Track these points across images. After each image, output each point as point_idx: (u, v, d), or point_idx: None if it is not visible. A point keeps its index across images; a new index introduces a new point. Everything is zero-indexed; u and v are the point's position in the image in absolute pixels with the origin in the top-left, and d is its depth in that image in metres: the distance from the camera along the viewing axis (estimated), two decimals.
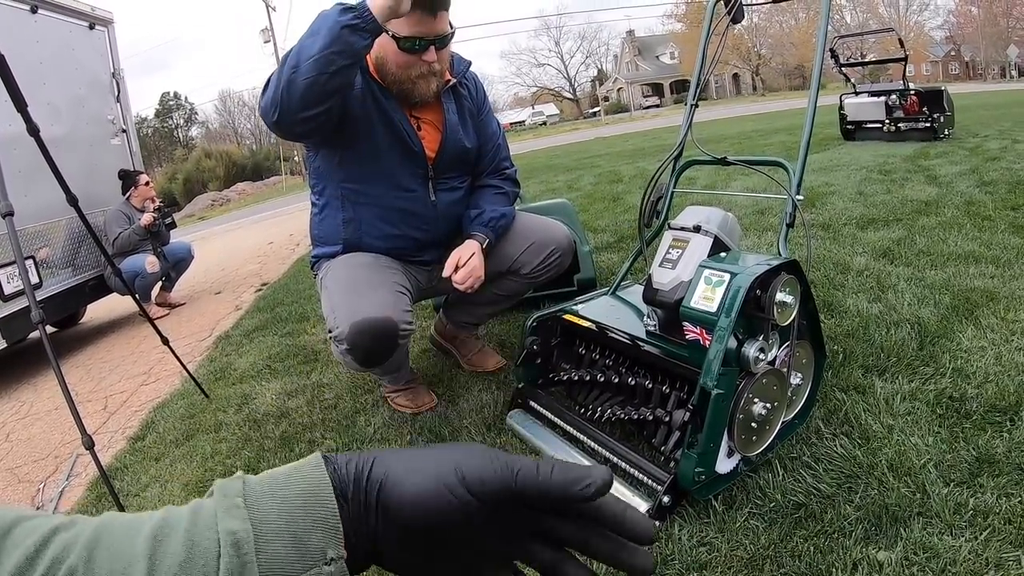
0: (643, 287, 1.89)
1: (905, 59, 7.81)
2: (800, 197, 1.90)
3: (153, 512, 0.43)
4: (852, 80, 8.67)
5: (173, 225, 6.03)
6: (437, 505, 0.46)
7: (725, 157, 2.13)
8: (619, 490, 1.66)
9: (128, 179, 5.82)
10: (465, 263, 2.14)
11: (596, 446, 1.85)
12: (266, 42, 36.03)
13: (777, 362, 1.65)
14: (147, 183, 5.84)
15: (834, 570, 1.33)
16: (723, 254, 1.78)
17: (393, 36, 1.96)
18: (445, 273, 2.16)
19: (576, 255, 3.02)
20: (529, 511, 0.50)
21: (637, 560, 0.50)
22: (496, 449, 0.49)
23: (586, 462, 1.79)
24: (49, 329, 3.22)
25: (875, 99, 8.13)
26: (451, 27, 2.04)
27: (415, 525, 0.46)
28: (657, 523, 1.54)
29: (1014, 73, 43.80)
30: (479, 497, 0.46)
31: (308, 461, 0.47)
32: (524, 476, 0.47)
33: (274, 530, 0.42)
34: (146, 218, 5.59)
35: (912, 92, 7.78)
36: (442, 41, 2.03)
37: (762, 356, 1.54)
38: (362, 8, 1.75)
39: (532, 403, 2.14)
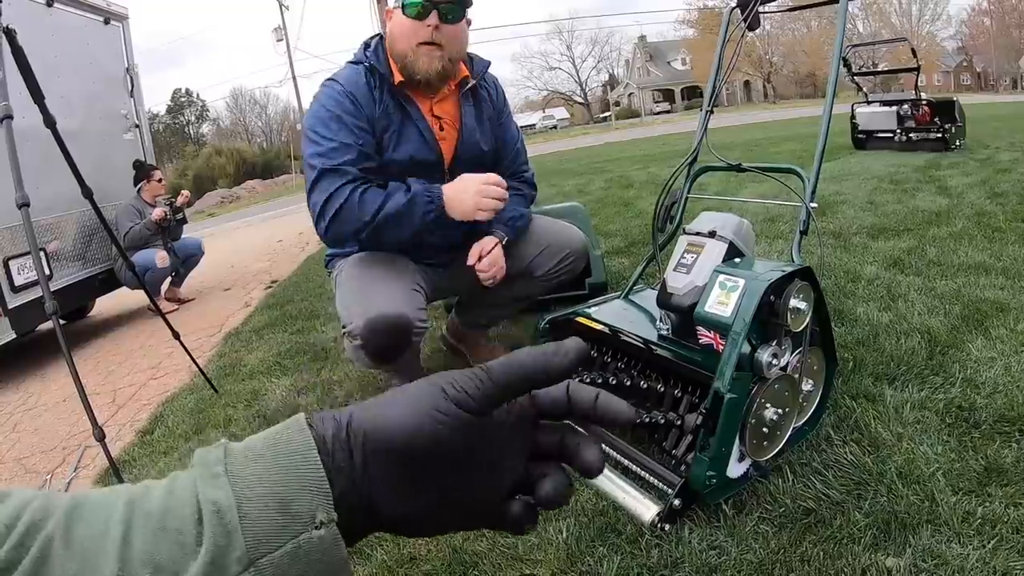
0: (657, 291, 1.90)
1: (918, 69, 7.80)
2: (814, 205, 1.91)
3: (132, 489, 0.42)
4: (864, 89, 8.65)
5: (184, 221, 6.04)
6: (428, 430, 0.44)
7: (740, 164, 2.14)
8: (630, 492, 1.67)
9: (142, 169, 5.83)
10: (488, 252, 2.15)
11: (608, 449, 1.86)
12: (279, 40, 36.22)
13: (789, 368, 1.66)
14: (160, 180, 5.86)
15: (843, 575, 1.34)
16: (737, 260, 1.79)
17: (401, 5, 2.00)
18: (469, 262, 2.17)
19: (588, 259, 3.03)
20: (518, 420, 0.49)
21: (587, 456, 0.49)
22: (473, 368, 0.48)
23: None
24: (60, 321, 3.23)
25: (887, 108, 8.11)
26: (465, 6, 2.06)
27: (410, 459, 0.45)
28: (668, 526, 1.54)
29: None
30: (467, 409, 0.45)
31: (289, 423, 0.45)
32: (499, 370, 0.46)
33: (258, 495, 0.40)
34: (157, 212, 5.60)
35: (924, 102, 7.76)
36: (450, 11, 2.03)
37: (775, 361, 1.55)
38: (439, 203, 2.03)
39: None
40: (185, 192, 6.00)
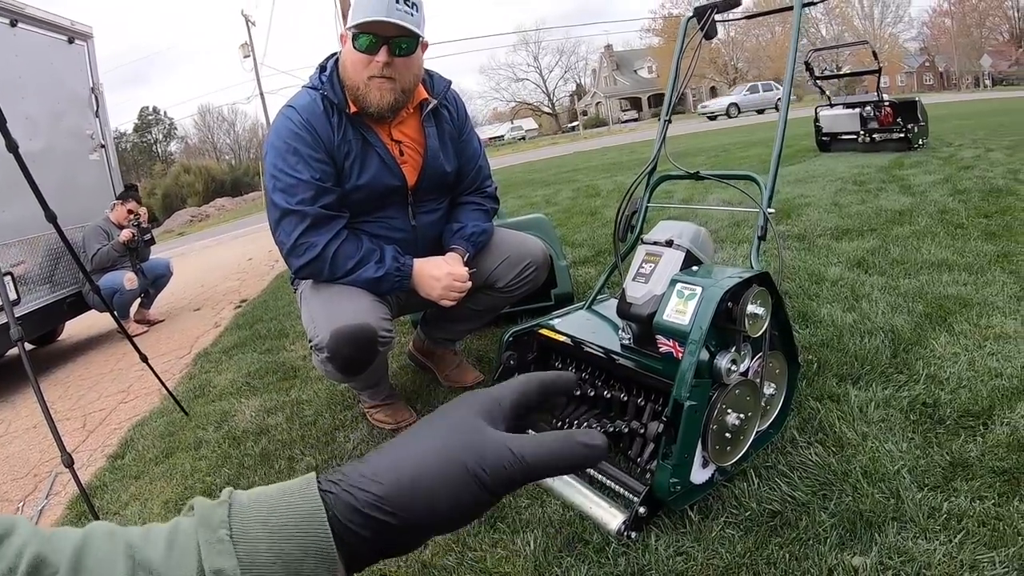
0: (617, 301, 1.91)
1: (879, 71, 7.91)
2: (771, 210, 1.93)
3: (132, 539, 0.41)
4: (827, 92, 8.76)
5: (152, 241, 5.98)
6: (446, 514, 0.45)
7: (698, 172, 2.16)
8: (596, 501, 1.67)
9: (127, 191, 5.86)
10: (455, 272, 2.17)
11: None
12: (246, 56, 35.99)
13: (750, 373, 1.67)
14: (130, 211, 5.76)
15: None
16: (695, 268, 1.81)
17: (349, 30, 1.98)
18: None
19: (553, 269, 3.04)
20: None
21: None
22: (479, 421, 0.49)
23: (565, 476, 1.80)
24: (27, 346, 3.19)
25: (850, 111, 8.22)
26: (418, 38, 2.01)
27: (426, 530, 0.46)
28: (634, 533, 1.55)
29: (988, 83, 44.43)
30: (490, 492, 0.46)
31: (299, 484, 0.45)
32: (532, 458, 0.47)
33: (264, 563, 0.40)
34: (125, 234, 5.53)
35: (886, 103, 7.87)
36: (401, 44, 1.99)
37: (734, 367, 1.56)
38: (407, 280, 2.14)
39: None
40: (142, 210, 5.92)
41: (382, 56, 1.98)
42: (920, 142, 7.71)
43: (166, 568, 0.39)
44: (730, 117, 30.98)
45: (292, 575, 0.40)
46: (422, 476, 0.45)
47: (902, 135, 7.71)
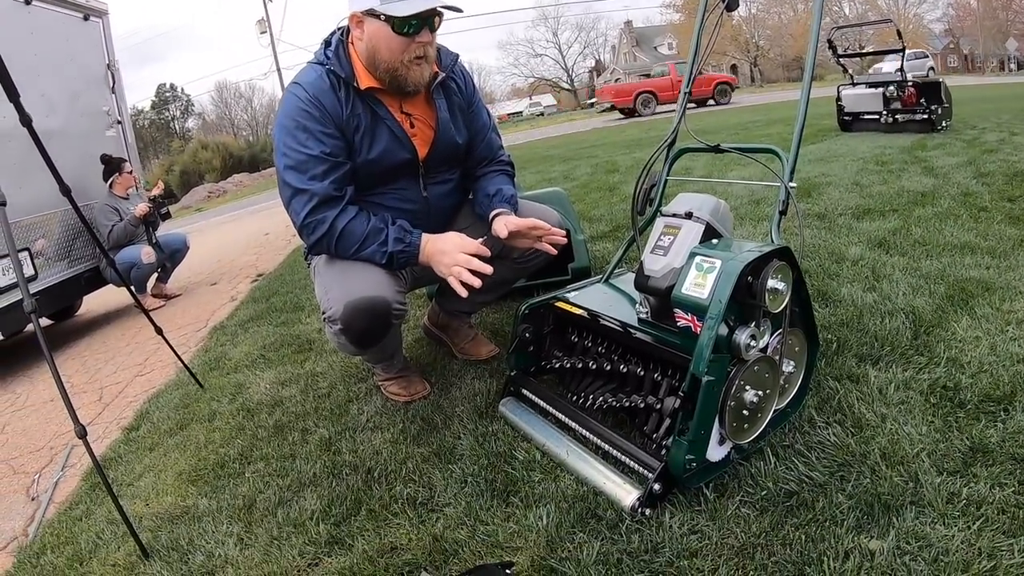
0: (635, 274, 1.89)
1: (903, 50, 7.78)
2: (793, 184, 1.89)
3: None
4: (850, 71, 8.64)
5: (168, 216, 5.99)
6: None
7: (718, 145, 2.12)
8: (610, 477, 1.66)
9: (111, 165, 5.71)
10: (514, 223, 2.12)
11: (587, 434, 1.86)
12: (262, 32, 35.97)
13: (769, 349, 1.65)
14: (130, 171, 5.76)
15: (825, 559, 1.33)
16: (715, 241, 1.78)
17: (386, 19, 1.93)
18: (503, 235, 2.12)
19: (570, 244, 3.03)
20: None
21: None
22: None
23: (580, 451, 1.80)
24: (44, 321, 3.19)
25: (873, 90, 8.10)
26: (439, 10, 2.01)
27: None
28: (648, 510, 1.54)
29: (1012, 66, 43.69)
30: None
31: None
32: None
33: None
34: (141, 208, 5.56)
35: (910, 84, 7.75)
36: (433, 22, 2.00)
37: (753, 343, 1.54)
38: (412, 248, 2.05)
39: (524, 391, 2.14)
40: (160, 183, 5.91)
41: (425, 37, 1.98)
42: (943, 124, 7.58)
43: None
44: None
45: None
46: None
47: (925, 116, 7.58)
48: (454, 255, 1.98)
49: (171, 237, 6.03)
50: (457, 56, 2.29)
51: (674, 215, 1.85)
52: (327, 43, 2.12)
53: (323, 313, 2.08)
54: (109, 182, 5.68)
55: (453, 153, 2.29)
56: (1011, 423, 1.66)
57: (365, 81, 2.06)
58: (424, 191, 2.25)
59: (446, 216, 2.36)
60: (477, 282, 1.92)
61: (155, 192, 5.85)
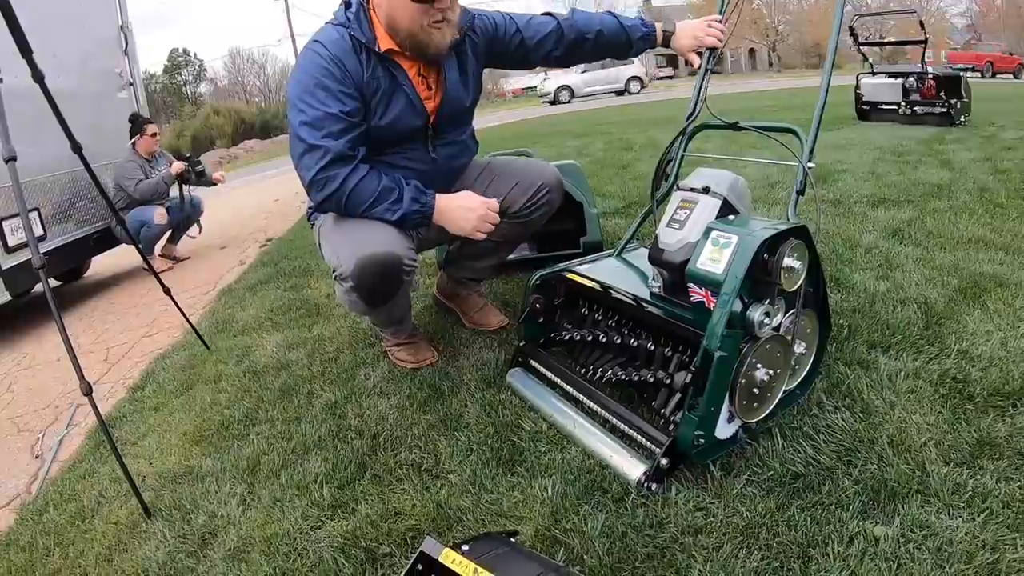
0: (649, 248, 1.87)
1: (925, 42, 7.71)
2: (812, 164, 1.87)
3: None
4: (870, 60, 8.56)
5: (203, 175, 5.96)
6: None
7: (737, 123, 2.10)
8: (617, 450, 1.65)
9: (137, 124, 5.72)
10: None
11: (595, 407, 1.85)
12: None
13: (782, 329, 1.64)
14: (154, 134, 5.76)
15: (830, 542, 1.33)
16: (732, 217, 1.76)
17: None
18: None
19: (583, 217, 3.05)
20: None
21: None
22: None
23: (587, 424, 1.79)
24: (52, 282, 3.19)
25: (892, 80, 8.04)
26: None
27: None
28: (655, 485, 1.54)
29: None
30: None
31: None
32: None
33: None
34: (177, 166, 5.63)
35: (930, 76, 7.68)
36: None
37: (767, 320, 1.53)
38: (427, 210, 2.07)
39: (533, 362, 2.14)
40: (178, 165, 5.86)
41: (442, 3, 1.97)
42: (962, 118, 7.51)
43: None
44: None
45: None
46: None
47: (944, 110, 7.52)
48: (480, 210, 2.08)
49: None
50: (474, 16, 2.25)
51: (691, 189, 1.84)
52: (347, 4, 2.10)
53: (334, 271, 2.08)
54: (132, 141, 5.69)
55: (460, 115, 2.29)
56: (1020, 419, 1.66)
57: (385, 43, 2.05)
58: (432, 152, 2.25)
59: (454, 175, 2.36)
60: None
61: (176, 170, 5.82)
